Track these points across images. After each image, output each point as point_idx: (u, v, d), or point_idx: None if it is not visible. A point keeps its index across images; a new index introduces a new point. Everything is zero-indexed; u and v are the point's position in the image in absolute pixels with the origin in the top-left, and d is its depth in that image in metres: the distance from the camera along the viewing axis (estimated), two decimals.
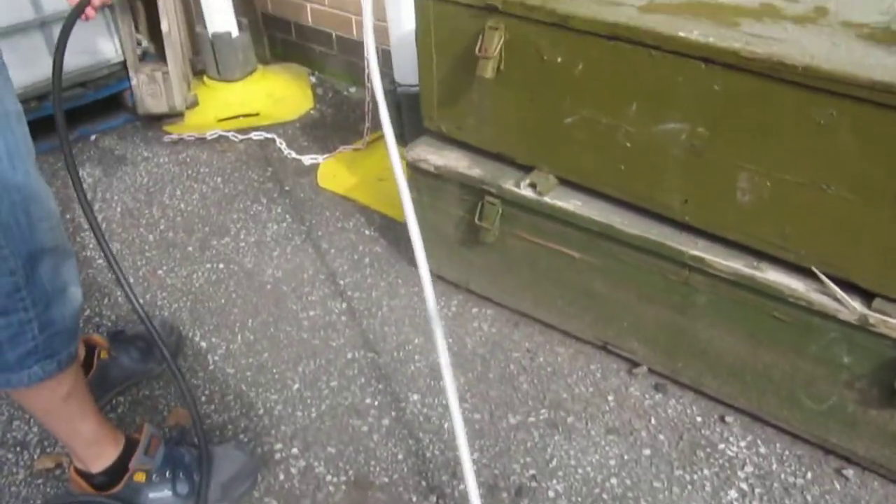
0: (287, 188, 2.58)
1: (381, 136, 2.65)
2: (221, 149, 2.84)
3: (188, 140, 2.89)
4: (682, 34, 1.38)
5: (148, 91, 2.92)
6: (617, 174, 1.60)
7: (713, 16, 1.45)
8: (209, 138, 2.89)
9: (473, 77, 1.68)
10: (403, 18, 2.27)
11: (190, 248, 2.31)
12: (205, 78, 3.11)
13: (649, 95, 1.47)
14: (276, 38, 3.49)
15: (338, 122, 2.98)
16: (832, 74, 1.24)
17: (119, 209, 2.52)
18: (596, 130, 1.58)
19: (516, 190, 1.74)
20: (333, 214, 2.42)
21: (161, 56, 2.93)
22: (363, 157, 2.64)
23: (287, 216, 2.43)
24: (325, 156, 2.70)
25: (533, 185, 1.72)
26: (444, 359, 1.44)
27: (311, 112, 3.07)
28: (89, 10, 1.23)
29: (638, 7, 1.51)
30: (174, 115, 3.00)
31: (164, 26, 2.82)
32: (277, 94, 3.10)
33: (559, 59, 1.56)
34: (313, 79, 3.31)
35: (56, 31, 2.77)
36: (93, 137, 2.96)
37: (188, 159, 2.79)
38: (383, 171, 2.51)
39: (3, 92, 1.15)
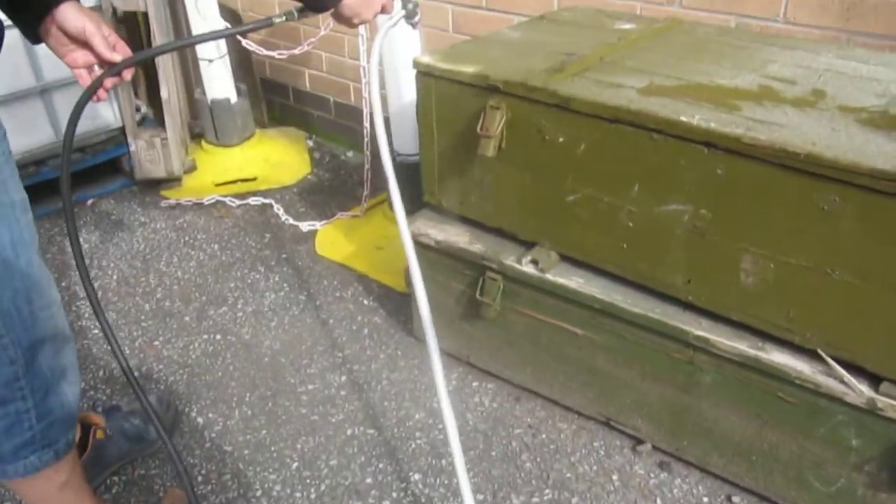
0: (285, 255, 2.57)
1: (379, 203, 2.67)
2: (219, 214, 2.84)
3: (185, 205, 2.89)
4: (683, 119, 1.39)
5: (146, 157, 2.93)
6: (619, 252, 1.60)
7: (714, 99, 1.47)
8: (206, 203, 2.89)
9: (475, 154, 1.69)
10: (403, 89, 2.30)
11: (187, 319, 2.29)
12: (203, 142, 3.12)
13: (652, 177, 1.48)
14: (274, 102, 3.52)
15: (335, 187, 2.99)
16: (834, 162, 1.25)
17: (115, 277, 2.50)
18: (598, 209, 1.58)
19: (518, 266, 1.73)
20: (331, 283, 2.41)
21: (160, 121, 2.95)
22: (361, 224, 2.64)
23: (285, 285, 2.42)
24: (323, 222, 2.70)
25: (535, 262, 1.72)
26: (458, 456, 1.42)
27: (309, 177, 3.08)
28: (101, 92, 1.24)
29: (638, 89, 1.53)
30: (172, 180, 3.00)
31: (163, 93, 2.84)
32: (275, 159, 3.11)
33: (561, 139, 1.58)
34: (311, 143, 3.34)
35: (56, 97, 2.79)
36: (89, 202, 2.96)
37: (185, 225, 2.78)
38: (381, 239, 2.51)
39: (8, 181, 1.14)
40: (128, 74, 1.25)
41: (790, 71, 1.62)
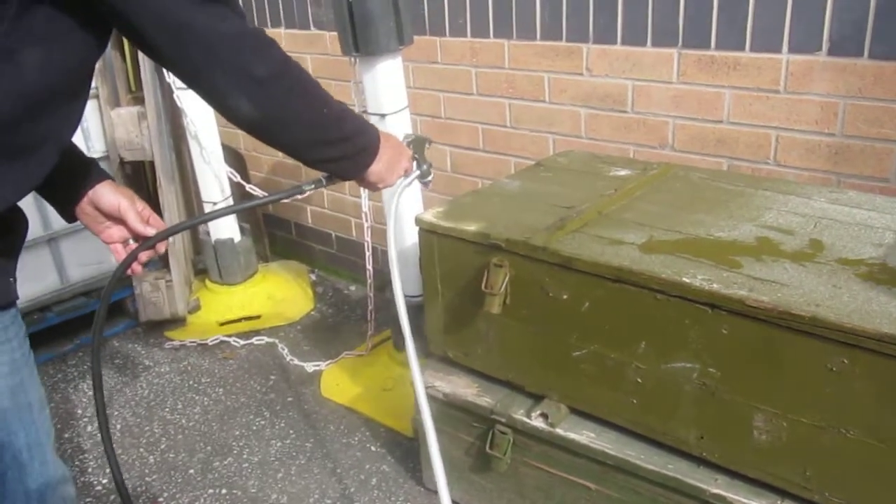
0: (290, 399, 2.55)
1: (384, 341, 2.67)
2: (223, 355, 2.83)
3: (190, 346, 2.89)
4: (686, 280, 1.41)
5: (151, 299, 2.95)
6: (629, 407, 1.59)
7: (713, 255, 1.49)
8: (210, 344, 2.89)
9: (480, 308, 1.71)
10: (406, 232, 2.34)
11: (192, 471, 2.25)
12: (207, 281, 3.15)
13: (657, 335, 1.49)
14: (276, 235, 3.58)
15: (339, 323, 3.00)
16: (839, 326, 1.25)
17: (119, 426, 2.48)
18: (605, 365, 1.58)
19: (528, 421, 1.72)
20: (338, 428, 2.38)
21: (164, 263, 2.98)
22: (366, 364, 2.63)
23: (290, 431, 2.39)
24: (328, 362, 2.69)
25: (544, 416, 1.70)
26: None
27: (313, 312, 3.10)
28: (135, 266, 1.26)
29: (639, 245, 1.55)
30: (176, 321, 3.01)
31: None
32: (279, 296, 3.13)
33: (565, 297, 1.59)
34: (313, 276, 3.37)
35: (63, 245, 2.84)
36: None
37: (189, 367, 2.77)
38: (387, 380, 2.49)
39: (27, 380, 1.14)
40: (161, 247, 1.28)
41: (786, 219, 1.65)
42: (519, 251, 1.62)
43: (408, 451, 2.24)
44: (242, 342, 2.89)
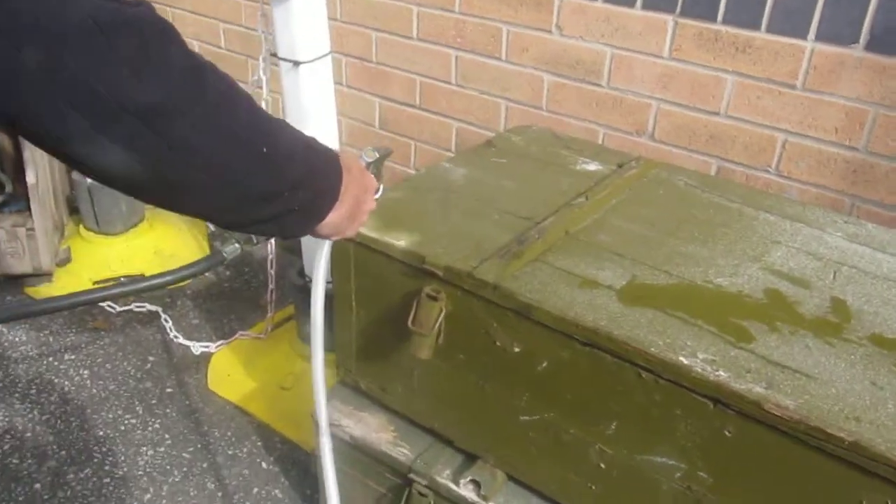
0: (169, 389, 2.13)
1: (286, 321, 2.26)
2: (94, 325, 2.37)
3: None
4: (683, 360, 1.05)
5: (7, 248, 2.44)
6: (585, 493, 1.25)
7: (716, 315, 1.14)
8: (80, 308, 2.42)
9: (404, 341, 1.32)
10: None
11: (38, 486, 1.83)
12: (81, 228, 2.64)
13: (635, 419, 1.14)
14: None
15: (237, 291, 2.57)
16: (888, 460, 0.93)
17: None
18: (561, 439, 1.23)
19: (454, 487, 1.36)
20: (224, 434, 1.99)
21: (27, 204, 2.46)
22: (264, 350, 2.23)
23: (166, 435, 1.98)
24: (219, 343, 2.27)
25: (476, 483, 1.35)
26: None
27: (207, 274, 2.64)
28: None
29: (618, 291, 1.19)
30: (40, 275, 2.52)
31: (29, 177, 2.36)
32: (167, 251, 2.66)
33: (516, 350, 1.22)
34: (212, 227, 2.89)
35: None
36: None
37: (51, 339, 2.31)
38: (287, 376, 2.10)
39: None
40: None
41: (797, 262, 1.30)
42: (461, 284, 1.23)
43: (305, 471, 1.88)
44: (119, 308, 2.43)
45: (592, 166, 1.62)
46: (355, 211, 0.90)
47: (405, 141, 2.18)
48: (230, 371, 2.18)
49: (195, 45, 2.59)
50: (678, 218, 1.42)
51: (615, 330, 1.10)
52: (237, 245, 0.96)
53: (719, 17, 1.54)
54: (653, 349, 1.07)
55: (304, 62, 1.70)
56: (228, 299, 2.52)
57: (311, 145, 0.80)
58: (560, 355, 1.17)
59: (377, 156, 1.05)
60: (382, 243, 1.31)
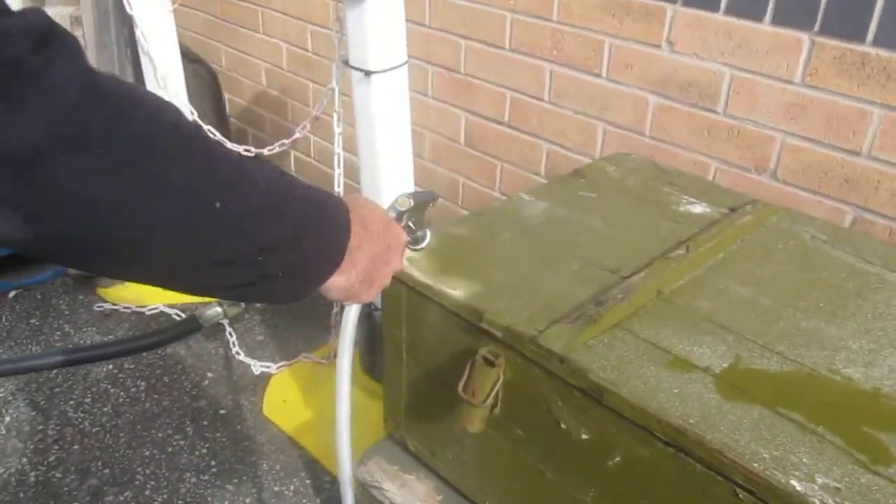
0: (223, 411, 2.01)
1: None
2: None
3: (123, 313, 2.36)
4: (795, 484, 0.81)
5: None
6: None
7: (840, 422, 0.89)
8: (148, 314, 2.35)
9: (456, 401, 1.12)
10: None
11: None
12: None
13: None
14: None
15: (307, 307, 2.43)
16: None
17: (7, 418, 1.97)
18: None
19: None
20: (272, 467, 1.85)
21: None
22: (324, 377, 2.08)
23: (212, 462, 1.86)
24: (280, 364, 2.14)
25: None
26: None
27: None
28: None
29: (717, 377, 0.95)
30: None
31: None
32: None
33: (584, 436, 1.00)
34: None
35: None
36: (11, 294, 2.43)
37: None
38: None
39: None
40: None
41: None
42: (522, 350, 1.02)
43: None
44: (185, 315, 2.34)
45: (699, 208, 1.37)
46: (372, 273, 0.71)
47: (491, 161, 1.98)
48: (287, 397, 2.04)
49: (282, 48, 2.48)
50: (801, 282, 1.16)
51: (709, 432, 0.87)
52: (219, 309, 0.81)
53: (869, 38, 1.26)
54: (756, 464, 0.83)
55: (377, 72, 1.53)
56: (297, 316, 2.38)
57: (307, 197, 0.62)
58: (637, 452, 0.94)
59: (411, 204, 0.85)
60: (436, 291, 1.12)
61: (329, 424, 1.93)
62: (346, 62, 1.58)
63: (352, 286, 0.69)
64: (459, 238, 1.25)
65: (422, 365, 1.23)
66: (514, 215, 1.33)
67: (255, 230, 0.55)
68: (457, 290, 1.10)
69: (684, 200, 1.39)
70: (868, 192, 1.35)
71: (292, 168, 2.75)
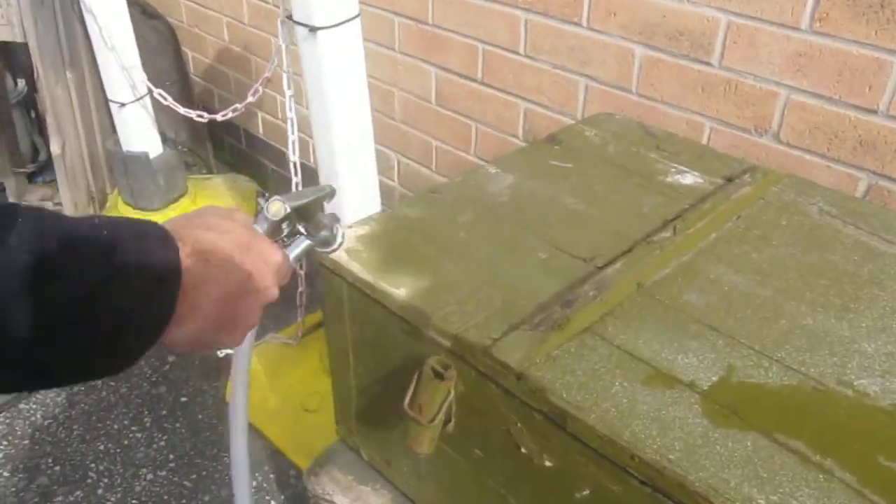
0: (183, 399, 1.88)
1: (319, 326, 1.97)
2: None
3: None
4: None
5: None
6: None
7: (853, 452, 0.74)
8: None
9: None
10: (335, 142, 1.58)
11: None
12: (119, 202, 2.41)
13: None
14: (223, 141, 2.80)
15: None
16: None
17: None
18: None
19: None
20: None
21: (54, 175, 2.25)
22: (293, 359, 1.93)
23: (171, 456, 1.73)
24: None
25: None
26: None
27: None
28: None
29: (702, 394, 0.79)
30: None
31: (54, 147, 2.13)
32: None
33: (548, 464, 0.85)
34: (262, 201, 2.61)
35: None
36: None
37: None
38: (312, 395, 1.79)
39: None
40: None
41: None
42: (475, 363, 0.87)
43: None
44: None
45: (689, 178, 1.19)
46: (228, 313, 0.55)
47: (465, 122, 1.80)
48: (252, 383, 1.89)
49: (243, 1, 2.27)
50: (806, 268, 0.99)
51: (692, 470, 0.71)
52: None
53: None
54: None
55: (323, 28, 1.34)
56: None
57: (98, 245, 0.45)
58: (608, 487, 0.79)
59: (287, 210, 0.69)
60: (377, 290, 0.95)
61: (295, 412, 1.81)
62: (289, 17, 1.39)
63: (201, 335, 0.53)
64: (410, 221, 1.09)
65: (370, 369, 1.08)
66: (475, 192, 1.16)
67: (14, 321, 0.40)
68: (401, 289, 0.94)
69: (673, 169, 1.22)
70: (885, 156, 1.17)
71: (260, 131, 2.57)
